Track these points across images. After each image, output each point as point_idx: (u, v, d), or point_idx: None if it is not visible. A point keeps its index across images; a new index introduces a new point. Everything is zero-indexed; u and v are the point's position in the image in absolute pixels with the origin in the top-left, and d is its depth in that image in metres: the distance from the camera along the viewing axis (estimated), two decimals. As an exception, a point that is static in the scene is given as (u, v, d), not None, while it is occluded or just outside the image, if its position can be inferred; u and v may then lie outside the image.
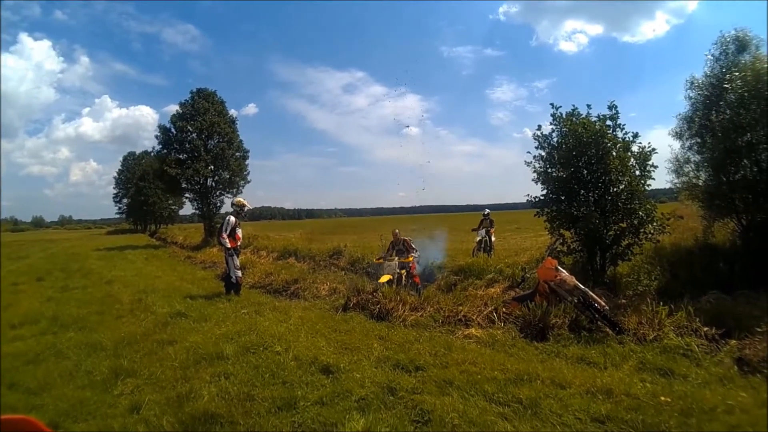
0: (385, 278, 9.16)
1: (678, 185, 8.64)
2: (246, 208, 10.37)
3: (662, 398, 4.00)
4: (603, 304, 6.34)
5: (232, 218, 9.83)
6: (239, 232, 9.97)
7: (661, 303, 6.22)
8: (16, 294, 10.89)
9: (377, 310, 7.61)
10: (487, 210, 14.65)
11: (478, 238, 14.02)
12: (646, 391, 4.17)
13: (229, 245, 9.58)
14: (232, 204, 10.38)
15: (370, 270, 11.55)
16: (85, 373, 5.09)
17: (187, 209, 54.33)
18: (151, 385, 4.66)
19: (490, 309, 7.07)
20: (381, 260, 10.08)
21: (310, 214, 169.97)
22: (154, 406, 4.13)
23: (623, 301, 7.14)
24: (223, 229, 9.73)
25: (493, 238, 14.12)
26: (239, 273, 9.81)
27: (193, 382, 4.63)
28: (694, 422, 3.56)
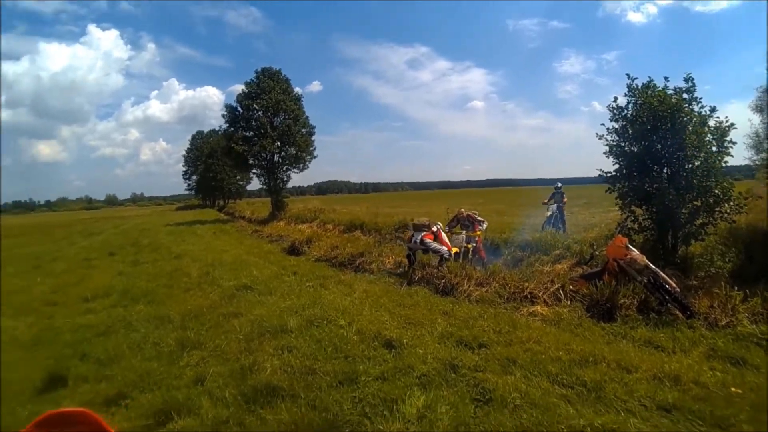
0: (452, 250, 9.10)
1: (757, 162, 8.03)
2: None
3: (733, 389, 3.79)
4: (674, 285, 6.08)
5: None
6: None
7: (735, 287, 5.87)
8: (89, 269, 11.65)
9: (442, 284, 7.59)
10: (559, 183, 14.02)
11: (549, 213, 13.54)
12: (715, 381, 3.96)
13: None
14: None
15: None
16: (153, 345, 5.38)
17: (255, 184, 56.35)
18: (216, 357, 4.88)
19: (556, 286, 6.90)
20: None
21: (377, 187, 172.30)
22: (218, 377, 4.32)
23: (694, 282, 6.80)
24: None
25: (565, 213, 13.62)
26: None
27: (256, 354, 4.80)
28: (766, 418, 3.32)
